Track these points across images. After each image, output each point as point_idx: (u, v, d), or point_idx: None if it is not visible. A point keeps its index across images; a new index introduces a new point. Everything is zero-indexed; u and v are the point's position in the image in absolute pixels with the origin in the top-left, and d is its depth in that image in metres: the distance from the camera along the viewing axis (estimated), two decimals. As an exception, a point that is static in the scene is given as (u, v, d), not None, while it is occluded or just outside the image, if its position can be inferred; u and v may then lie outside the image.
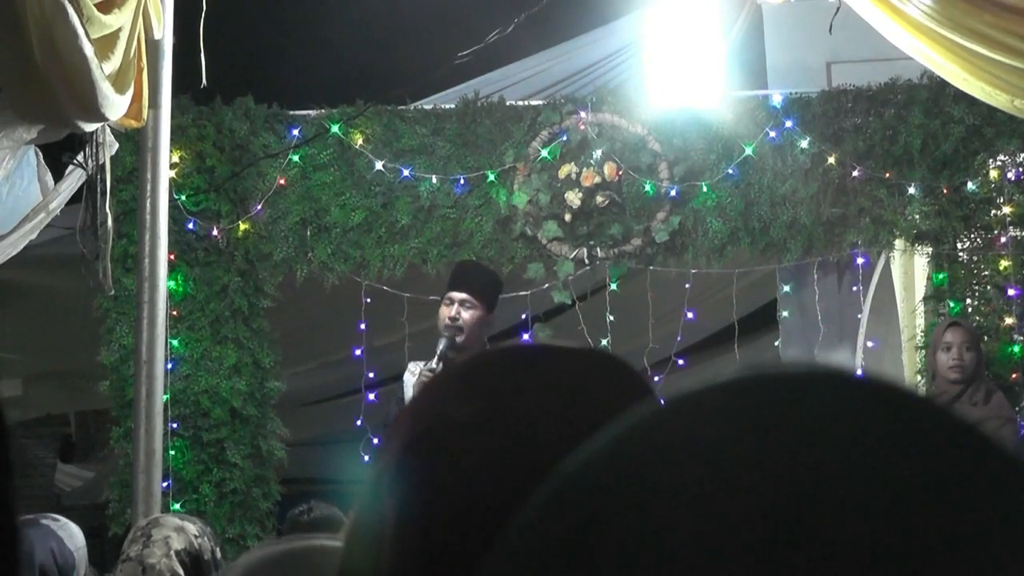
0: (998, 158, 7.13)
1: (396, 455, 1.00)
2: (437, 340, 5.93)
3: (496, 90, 7.68)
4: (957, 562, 0.57)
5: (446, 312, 5.91)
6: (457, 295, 5.90)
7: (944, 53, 5.88)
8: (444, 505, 0.96)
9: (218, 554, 3.90)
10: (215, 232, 7.33)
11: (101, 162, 5.61)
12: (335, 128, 7.33)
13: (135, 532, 3.87)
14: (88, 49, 4.61)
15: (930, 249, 7.22)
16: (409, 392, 5.93)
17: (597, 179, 7.19)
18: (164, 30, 5.67)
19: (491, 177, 7.29)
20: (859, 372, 0.64)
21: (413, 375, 6.03)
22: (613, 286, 7.27)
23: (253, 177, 7.39)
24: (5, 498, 0.94)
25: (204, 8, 6.06)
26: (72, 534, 4.34)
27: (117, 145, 5.84)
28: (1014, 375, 7.04)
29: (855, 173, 7.12)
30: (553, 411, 0.99)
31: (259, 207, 7.35)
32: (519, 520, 0.65)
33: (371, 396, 7.46)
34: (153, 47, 5.62)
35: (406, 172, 7.30)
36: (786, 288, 7.28)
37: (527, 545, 0.63)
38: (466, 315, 5.87)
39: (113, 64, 5.01)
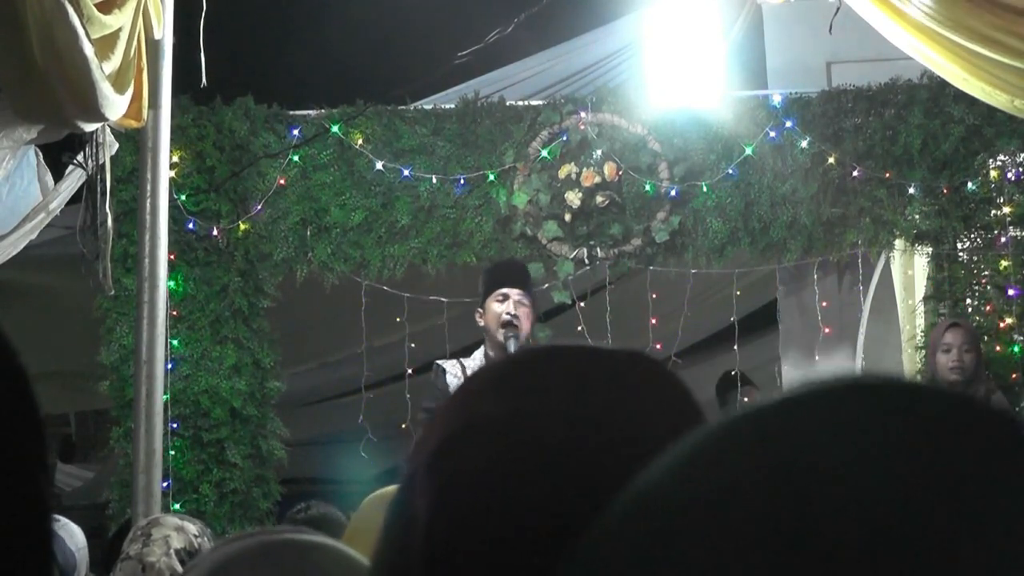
0: (998, 158, 7.13)
1: (429, 454, 1.01)
2: (492, 339, 5.75)
3: (496, 90, 7.68)
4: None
5: (501, 308, 5.72)
6: (514, 292, 5.75)
7: (944, 53, 5.88)
8: (474, 505, 0.97)
9: None
10: (215, 232, 7.33)
11: (101, 162, 5.61)
12: (335, 128, 7.33)
13: (135, 531, 3.87)
14: (88, 49, 4.61)
15: (930, 249, 7.21)
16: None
17: (597, 179, 7.19)
18: (164, 30, 5.67)
19: (491, 177, 7.29)
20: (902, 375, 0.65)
21: (456, 378, 5.82)
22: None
23: (253, 177, 7.39)
24: (41, 494, 0.94)
25: (204, 8, 6.06)
26: (73, 534, 4.35)
27: (117, 145, 5.84)
28: (1014, 375, 7.04)
29: (855, 173, 7.11)
30: (587, 413, 0.99)
31: (259, 207, 7.34)
32: (591, 536, 0.65)
33: (371, 396, 7.46)
34: (153, 47, 5.62)
35: (406, 172, 7.29)
36: (786, 288, 7.28)
37: (599, 561, 0.64)
38: (522, 313, 5.74)
39: (113, 64, 5.01)
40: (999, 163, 7.14)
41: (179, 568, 3.73)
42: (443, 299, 7.26)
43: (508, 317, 5.69)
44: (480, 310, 5.92)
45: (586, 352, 1.05)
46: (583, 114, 7.27)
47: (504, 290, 5.73)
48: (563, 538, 0.96)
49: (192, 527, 3.88)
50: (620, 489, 0.96)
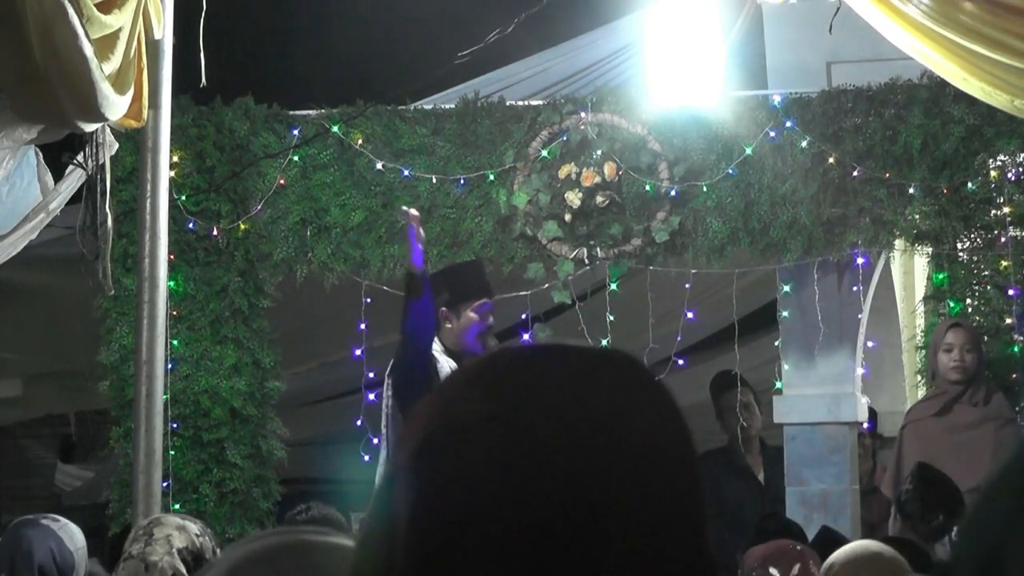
0: (998, 158, 7.12)
1: (409, 455, 1.01)
2: (460, 341, 5.93)
3: (496, 90, 7.67)
4: None
5: (480, 319, 5.93)
6: (488, 303, 5.97)
7: (944, 53, 5.87)
8: (454, 504, 0.97)
9: (219, 553, 3.90)
10: (215, 232, 7.33)
11: (101, 162, 5.61)
12: (335, 128, 7.33)
13: (136, 531, 3.88)
14: (88, 49, 4.62)
15: (930, 249, 7.21)
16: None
17: (597, 179, 7.19)
18: (164, 30, 5.67)
19: (491, 177, 7.29)
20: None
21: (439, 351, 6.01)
22: (613, 286, 7.27)
23: (253, 177, 7.39)
24: None
25: (204, 8, 6.07)
26: (72, 535, 4.35)
27: (117, 145, 5.84)
28: (1014, 375, 7.04)
29: (855, 173, 7.11)
30: (564, 412, 0.99)
31: (259, 207, 7.34)
32: None
33: (371, 396, 7.45)
34: (153, 47, 5.62)
35: (406, 172, 7.29)
36: (786, 288, 7.28)
37: None
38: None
39: (113, 64, 5.01)
40: (999, 163, 7.13)
41: (181, 567, 3.73)
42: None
43: (488, 329, 5.97)
44: (446, 311, 6.02)
45: (566, 351, 1.05)
46: (583, 114, 7.27)
47: (484, 301, 5.90)
48: (547, 536, 0.96)
49: (193, 526, 3.89)
50: (600, 485, 0.97)
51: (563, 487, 0.97)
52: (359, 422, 7.28)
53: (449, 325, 6.05)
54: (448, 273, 6.42)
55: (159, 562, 3.72)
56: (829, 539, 4.77)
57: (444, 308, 6.06)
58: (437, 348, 6.03)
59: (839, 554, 3.47)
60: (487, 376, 1.03)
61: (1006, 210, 7.08)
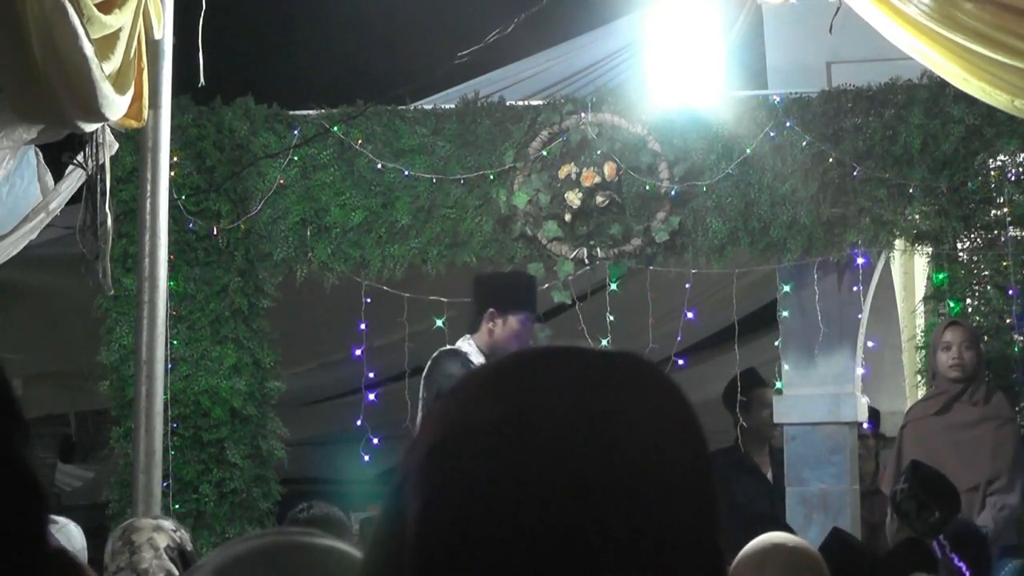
0: (998, 158, 7.12)
1: (420, 458, 1.01)
2: (495, 347, 6.12)
3: (496, 90, 7.67)
4: None
5: (525, 331, 6.17)
6: (531, 318, 6.26)
7: (944, 53, 5.87)
8: (461, 507, 0.97)
9: (196, 545, 3.94)
10: (215, 232, 7.33)
11: (101, 162, 5.62)
12: (335, 128, 7.33)
13: (115, 543, 3.84)
14: (88, 49, 4.62)
15: (930, 249, 7.21)
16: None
17: (597, 179, 7.19)
18: (164, 30, 5.68)
19: (491, 177, 7.29)
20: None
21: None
22: (613, 286, 7.27)
23: (253, 177, 7.38)
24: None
25: (204, 8, 6.07)
26: (71, 536, 4.34)
27: (117, 145, 5.85)
28: (1014, 375, 7.04)
29: (855, 173, 7.11)
30: (568, 415, 0.99)
31: (259, 207, 7.34)
32: None
33: (371, 396, 7.46)
34: (153, 47, 5.63)
35: (406, 172, 7.29)
36: (786, 288, 7.28)
37: None
38: None
39: (113, 64, 5.01)
40: (999, 163, 7.13)
41: (172, 567, 3.73)
42: (443, 299, 7.26)
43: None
44: (495, 311, 6.07)
45: (579, 354, 1.05)
46: (583, 114, 7.27)
47: (529, 314, 6.03)
48: (552, 538, 0.96)
49: (167, 523, 3.89)
50: (604, 487, 0.97)
51: (566, 489, 0.97)
52: (359, 422, 7.29)
53: (491, 325, 6.12)
54: (506, 276, 6.51)
55: (150, 568, 3.71)
56: (841, 542, 4.73)
57: (493, 308, 6.12)
58: (472, 349, 6.04)
59: (744, 549, 3.44)
60: (496, 380, 1.04)
61: (1006, 210, 7.08)
